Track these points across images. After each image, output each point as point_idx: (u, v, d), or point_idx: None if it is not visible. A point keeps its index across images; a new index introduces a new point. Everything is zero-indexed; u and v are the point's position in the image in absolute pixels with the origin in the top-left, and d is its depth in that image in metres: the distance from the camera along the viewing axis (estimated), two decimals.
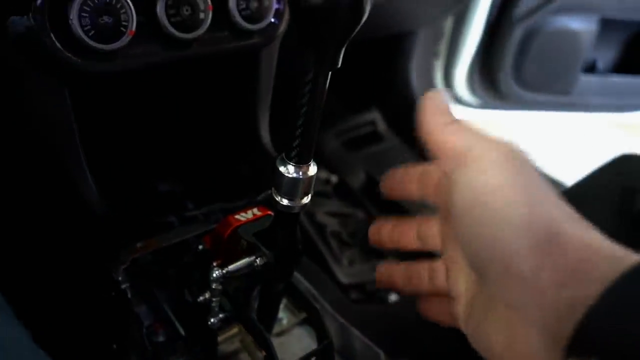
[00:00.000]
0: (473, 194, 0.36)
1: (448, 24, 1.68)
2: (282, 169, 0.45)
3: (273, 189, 0.47)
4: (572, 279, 0.31)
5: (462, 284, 0.43)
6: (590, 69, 1.75)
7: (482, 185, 0.36)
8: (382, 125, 1.71)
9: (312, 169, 0.46)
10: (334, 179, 1.47)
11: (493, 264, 0.34)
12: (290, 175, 0.45)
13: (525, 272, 0.32)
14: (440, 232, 0.48)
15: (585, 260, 0.32)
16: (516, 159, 0.37)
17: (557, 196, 0.36)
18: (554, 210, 0.35)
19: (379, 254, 1.30)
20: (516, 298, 0.32)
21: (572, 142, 1.77)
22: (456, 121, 0.43)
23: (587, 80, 1.73)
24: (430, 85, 1.76)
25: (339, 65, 0.41)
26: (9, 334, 0.42)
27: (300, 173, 0.45)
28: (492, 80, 1.74)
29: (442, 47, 1.74)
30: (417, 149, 1.66)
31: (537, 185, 0.36)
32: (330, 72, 0.41)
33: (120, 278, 0.62)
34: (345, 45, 0.40)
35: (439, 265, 0.49)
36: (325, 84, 0.42)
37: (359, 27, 0.38)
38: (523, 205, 0.34)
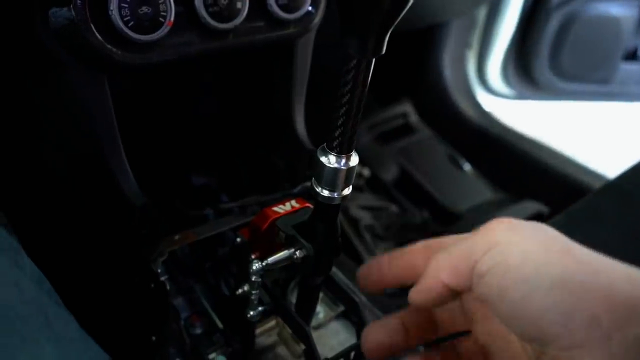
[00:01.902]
0: (502, 274, 0.34)
1: (481, 13, 1.64)
2: (323, 159, 0.44)
3: (313, 179, 0.47)
4: (636, 316, 0.30)
5: (522, 357, 0.40)
6: (632, 56, 1.69)
7: (507, 262, 0.34)
8: (414, 117, 1.69)
9: (354, 159, 0.45)
10: (366, 172, 1.46)
11: (547, 331, 0.32)
12: (331, 166, 0.44)
13: (583, 326, 0.30)
14: (468, 312, 0.45)
15: None
16: (525, 228, 0.36)
17: (579, 247, 0.34)
18: (587, 258, 0.33)
19: None
20: (580, 353, 0.31)
21: (612, 133, 1.71)
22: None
23: (628, 68, 1.67)
24: (462, 76, 1.73)
25: (383, 51, 0.40)
26: (58, 317, 0.42)
27: (342, 163, 0.44)
28: (528, 70, 1.70)
29: (475, 37, 1.70)
30: (449, 141, 1.63)
31: (558, 242, 0.35)
32: (374, 59, 0.40)
33: (159, 270, 0.63)
34: (390, 31, 0.39)
35: (469, 346, 0.45)
36: (369, 71, 0.41)
37: (405, 11, 0.36)
38: (553, 266, 0.33)
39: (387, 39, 0.39)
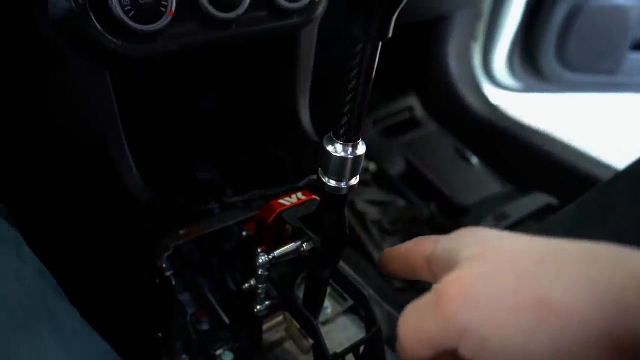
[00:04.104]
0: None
1: (487, 4, 1.62)
2: (329, 148, 0.43)
3: (320, 170, 0.45)
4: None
5: None
6: (639, 46, 1.67)
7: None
8: (419, 111, 1.67)
9: (361, 148, 0.44)
10: (372, 167, 1.45)
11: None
12: (338, 155, 0.43)
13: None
14: None
15: None
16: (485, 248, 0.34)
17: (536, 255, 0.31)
18: (541, 274, 0.30)
19: None
20: None
21: (621, 125, 1.69)
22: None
23: (635, 58, 1.65)
24: (468, 68, 1.71)
25: (390, 35, 0.39)
26: (60, 309, 0.42)
27: (349, 152, 0.43)
28: (534, 62, 1.68)
29: (480, 29, 1.68)
30: (455, 134, 1.62)
31: (506, 261, 0.32)
32: (380, 43, 0.39)
33: (164, 265, 0.62)
34: (397, 13, 0.37)
35: None
36: (376, 55, 0.39)
37: None
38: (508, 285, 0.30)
39: (393, 22, 0.38)
